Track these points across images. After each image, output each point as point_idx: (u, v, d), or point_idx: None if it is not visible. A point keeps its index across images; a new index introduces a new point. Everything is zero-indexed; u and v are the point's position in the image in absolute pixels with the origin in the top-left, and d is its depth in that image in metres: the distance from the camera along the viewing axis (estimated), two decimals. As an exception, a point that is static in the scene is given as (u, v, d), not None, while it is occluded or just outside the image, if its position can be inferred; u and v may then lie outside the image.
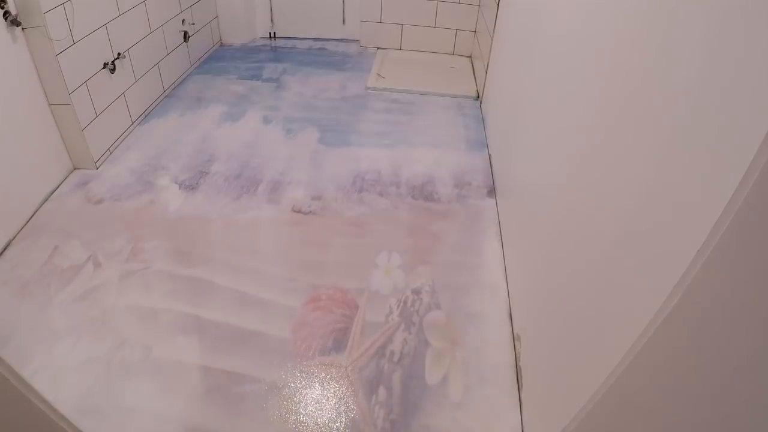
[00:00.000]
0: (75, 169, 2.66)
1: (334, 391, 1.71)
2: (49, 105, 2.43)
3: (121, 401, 1.63)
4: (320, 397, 1.69)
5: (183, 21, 3.60)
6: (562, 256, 1.47)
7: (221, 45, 4.37)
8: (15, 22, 2.16)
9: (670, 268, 0.83)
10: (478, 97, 3.66)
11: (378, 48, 4.39)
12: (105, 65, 2.68)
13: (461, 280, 2.15)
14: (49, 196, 2.47)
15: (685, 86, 0.89)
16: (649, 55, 1.05)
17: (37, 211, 2.39)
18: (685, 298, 0.78)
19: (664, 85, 0.97)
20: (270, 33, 4.48)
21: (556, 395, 1.38)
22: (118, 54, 2.79)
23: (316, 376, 1.75)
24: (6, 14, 2.12)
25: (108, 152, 2.78)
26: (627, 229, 1.05)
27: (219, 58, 4.12)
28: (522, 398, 1.69)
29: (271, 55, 4.22)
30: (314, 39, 4.52)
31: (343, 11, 4.37)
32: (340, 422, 1.62)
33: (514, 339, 1.88)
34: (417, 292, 2.08)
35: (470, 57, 4.31)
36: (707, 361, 0.73)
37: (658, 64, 1.00)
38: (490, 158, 2.96)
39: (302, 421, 1.62)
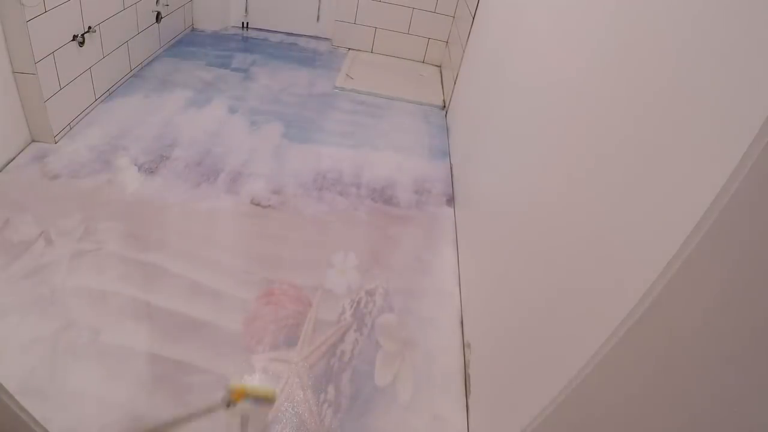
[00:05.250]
0: (33, 141, 2.58)
1: (283, 387, 1.72)
2: (13, 72, 2.35)
3: (66, 384, 1.61)
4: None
5: (157, 1, 3.54)
6: (516, 270, 1.52)
7: (193, 29, 4.31)
8: (-16, -14, 2.10)
9: (621, 295, 0.87)
10: (445, 106, 3.72)
11: (349, 49, 4.40)
12: (74, 38, 2.62)
13: (415, 285, 2.19)
14: (5, 167, 2.40)
15: (647, 118, 0.93)
16: (614, 84, 1.10)
17: (-11, 180, 2.32)
18: (640, 325, 0.83)
19: (626, 113, 1.02)
20: (243, 23, 4.44)
21: (504, 405, 1.43)
22: (89, 28, 2.73)
23: (265, 370, 1.76)
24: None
25: (68, 127, 2.72)
26: (582, 250, 1.10)
27: (189, 43, 4.06)
28: (469, 404, 1.73)
29: (241, 45, 4.19)
30: (286, 33, 4.50)
31: (319, 9, 4.36)
32: (288, 419, 1.63)
33: (465, 346, 1.92)
34: (371, 293, 2.11)
35: (440, 66, 4.36)
36: (659, 383, 0.78)
37: (622, 92, 1.05)
38: (451, 168, 3.01)
39: (249, 416, 1.62)
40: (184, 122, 3.02)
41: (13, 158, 2.46)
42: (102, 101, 3.03)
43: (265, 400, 1.61)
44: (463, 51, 3.31)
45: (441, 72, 4.27)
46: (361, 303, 2.06)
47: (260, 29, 4.49)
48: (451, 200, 2.75)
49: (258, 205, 2.49)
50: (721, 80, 0.76)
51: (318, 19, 4.42)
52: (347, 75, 3.90)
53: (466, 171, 2.61)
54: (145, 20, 3.43)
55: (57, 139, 2.62)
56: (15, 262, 1.96)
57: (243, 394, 1.59)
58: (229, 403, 1.57)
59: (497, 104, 2.17)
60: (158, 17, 3.58)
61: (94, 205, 2.29)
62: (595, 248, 1.04)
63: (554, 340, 1.15)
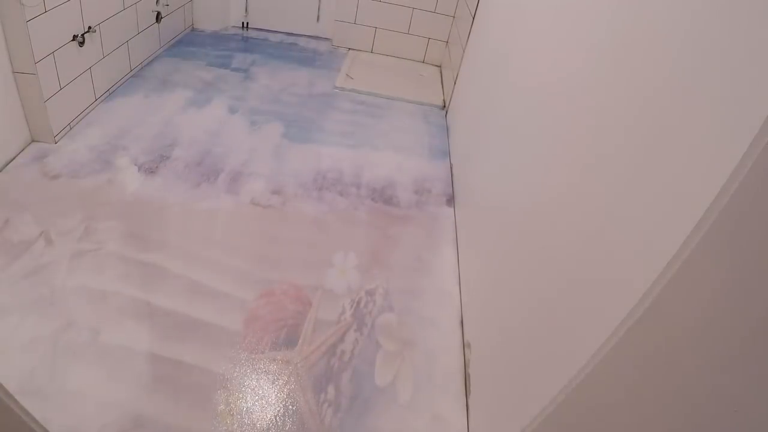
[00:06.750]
0: (33, 141, 2.58)
1: (283, 387, 1.72)
2: (13, 72, 2.36)
3: (66, 384, 1.60)
4: (269, 392, 1.70)
5: (157, 1, 3.54)
6: (516, 270, 1.52)
7: (193, 29, 4.30)
8: (-16, -14, 2.10)
9: (621, 295, 0.87)
10: (445, 106, 3.71)
11: (349, 49, 4.40)
12: (74, 37, 2.62)
13: (415, 284, 2.19)
14: (5, 167, 2.40)
15: (647, 117, 0.93)
16: (614, 83, 1.10)
17: (-10, 180, 2.32)
18: (640, 325, 0.83)
19: (626, 112, 1.02)
20: (243, 23, 4.44)
21: (504, 405, 1.43)
22: (89, 28, 2.73)
23: (265, 370, 1.76)
24: (-25, -23, 2.06)
25: (68, 127, 2.72)
26: (581, 250, 1.10)
27: (189, 43, 4.06)
28: (469, 404, 1.73)
29: (241, 45, 4.18)
30: (287, 33, 4.50)
31: (319, 9, 4.36)
32: (288, 418, 1.63)
33: (465, 346, 1.92)
34: (371, 293, 2.11)
35: (440, 66, 4.36)
36: (659, 383, 0.78)
37: (622, 91, 1.05)
38: (451, 168, 3.00)
39: (249, 415, 1.62)
40: (184, 122, 3.02)
41: (13, 158, 2.46)
42: (102, 101, 3.03)
43: None
44: (463, 51, 3.31)
45: (441, 72, 4.27)
46: (361, 303, 2.06)
47: (260, 29, 4.49)
48: (451, 200, 2.75)
49: (258, 205, 2.48)
50: (720, 80, 0.76)
51: (318, 19, 4.42)
52: (347, 75, 3.90)
53: (466, 171, 2.61)
54: (145, 20, 3.43)
55: (57, 139, 2.62)
56: (15, 262, 1.96)
57: None
58: None
59: (497, 104, 2.17)
60: (158, 17, 3.58)
61: (94, 205, 2.29)
62: (595, 248, 1.04)
63: (554, 340, 1.15)
